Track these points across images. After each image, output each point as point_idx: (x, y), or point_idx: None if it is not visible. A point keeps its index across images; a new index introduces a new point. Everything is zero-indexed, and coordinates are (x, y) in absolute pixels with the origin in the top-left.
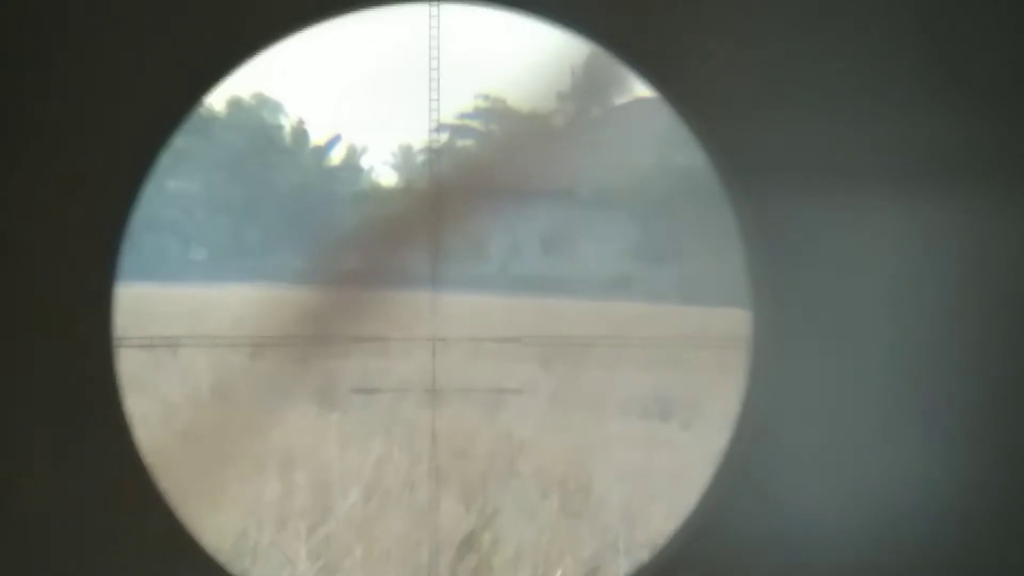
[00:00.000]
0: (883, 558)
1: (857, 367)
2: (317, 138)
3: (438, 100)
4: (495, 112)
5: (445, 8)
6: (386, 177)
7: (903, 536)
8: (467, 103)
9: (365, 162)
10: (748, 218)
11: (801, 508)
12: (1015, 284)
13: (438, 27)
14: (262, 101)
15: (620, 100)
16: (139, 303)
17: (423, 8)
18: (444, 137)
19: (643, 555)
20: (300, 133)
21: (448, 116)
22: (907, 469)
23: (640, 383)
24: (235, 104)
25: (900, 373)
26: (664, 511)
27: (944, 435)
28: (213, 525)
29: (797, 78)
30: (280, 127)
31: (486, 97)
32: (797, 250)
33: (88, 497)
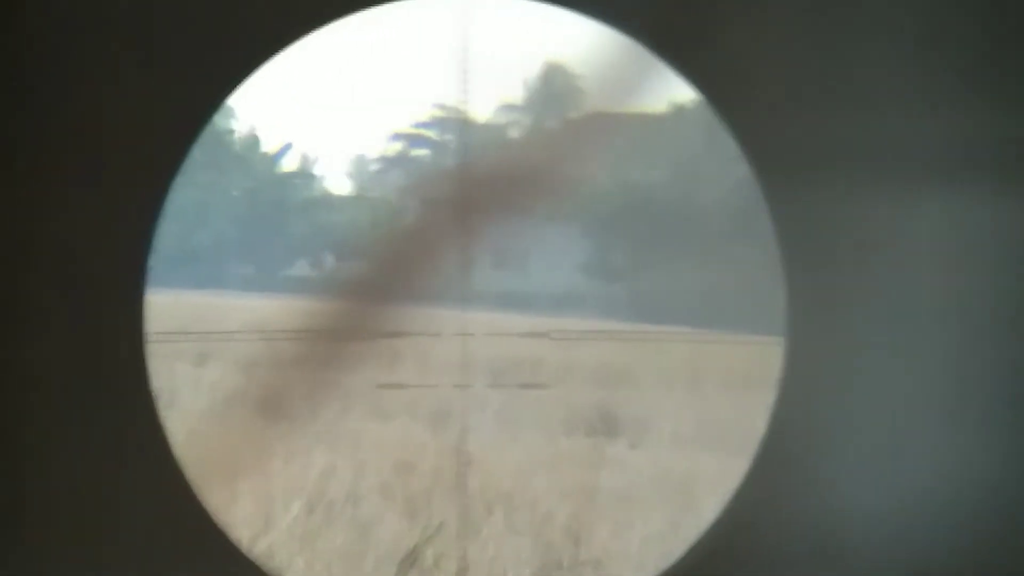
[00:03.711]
0: (922, 560)
1: (897, 363)
2: (269, 145)
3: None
4: (451, 122)
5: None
6: (339, 186)
7: (940, 537)
8: (424, 112)
9: (318, 170)
10: (785, 218)
11: (836, 507)
12: None
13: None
14: None
15: (576, 114)
16: None
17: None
18: (398, 146)
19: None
20: (251, 140)
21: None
22: (942, 468)
23: (587, 400)
24: None
25: (944, 370)
26: (609, 530)
27: (990, 435)
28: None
29: (839, 77)
30: (231, 132)
31: (443, 106)
32: (836, 248)
33: (117, 485)
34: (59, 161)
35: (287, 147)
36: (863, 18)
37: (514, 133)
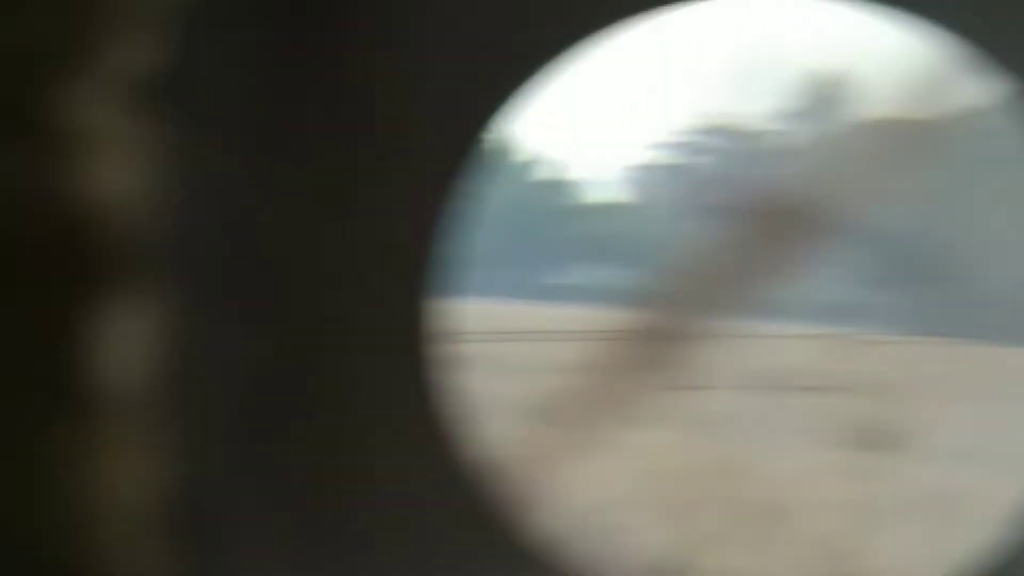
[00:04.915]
0: None
1: None
2: (531, 153)
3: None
4: (719, 130)
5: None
6: (606, 194)
7: None
8: (699, 120)
9: (584, 178)
10: None
11: None
12: None
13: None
14: None
15: (860, 120)
16: None
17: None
18: (667, 154)
19: None
20: (513, 147)
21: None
22: None
23: (855, 412)
24: None
25: None
26: (878, 545)
27: None
28: None
29: None
30: (495, 138)
31: (713, 114)
32: None
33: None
34: (359, 161)
35: (551, 155)
36: None
37: (789, 142)
